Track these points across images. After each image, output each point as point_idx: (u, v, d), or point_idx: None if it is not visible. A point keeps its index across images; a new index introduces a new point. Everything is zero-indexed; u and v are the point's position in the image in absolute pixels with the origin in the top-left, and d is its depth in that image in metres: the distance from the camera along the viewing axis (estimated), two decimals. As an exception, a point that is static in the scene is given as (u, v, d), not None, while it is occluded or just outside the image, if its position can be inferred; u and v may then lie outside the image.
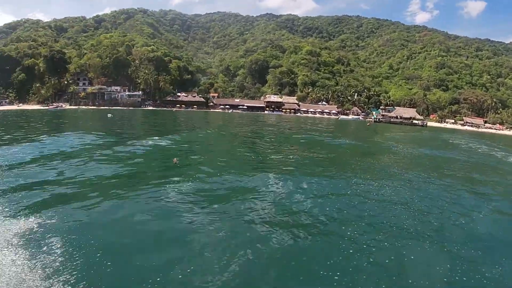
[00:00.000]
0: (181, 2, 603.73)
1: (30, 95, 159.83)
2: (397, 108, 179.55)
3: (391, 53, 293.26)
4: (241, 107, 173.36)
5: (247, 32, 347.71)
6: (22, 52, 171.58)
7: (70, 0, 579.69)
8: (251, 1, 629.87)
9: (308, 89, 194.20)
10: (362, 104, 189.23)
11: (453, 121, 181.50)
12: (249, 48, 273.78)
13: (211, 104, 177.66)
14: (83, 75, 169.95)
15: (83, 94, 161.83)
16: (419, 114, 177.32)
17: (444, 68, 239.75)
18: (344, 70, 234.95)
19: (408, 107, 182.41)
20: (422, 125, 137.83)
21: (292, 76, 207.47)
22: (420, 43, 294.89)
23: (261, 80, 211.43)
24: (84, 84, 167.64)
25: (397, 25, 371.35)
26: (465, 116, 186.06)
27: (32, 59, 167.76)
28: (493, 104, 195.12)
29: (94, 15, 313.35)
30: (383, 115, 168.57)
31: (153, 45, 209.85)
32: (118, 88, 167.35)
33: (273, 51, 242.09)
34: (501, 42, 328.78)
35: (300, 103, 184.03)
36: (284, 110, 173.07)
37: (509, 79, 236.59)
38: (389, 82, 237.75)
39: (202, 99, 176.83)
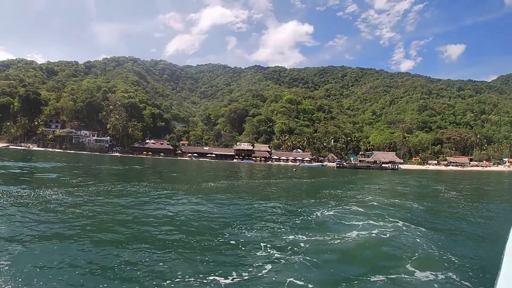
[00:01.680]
0: (174, 54, 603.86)
1: (2, 133, 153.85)
2: (375, 152, 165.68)
3: (374, 99, 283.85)
4: (209, 155, 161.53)
5: (233, 83, 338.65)
6: (1, 90, 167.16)
7: (68, 45, 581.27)
8: (241, 54, 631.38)
9: (285, 136, 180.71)
10: (339, 150, 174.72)
11: (435, 162, 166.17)
12: (233, 98, 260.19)
13: (179, 152, 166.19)
14: (56, 118, 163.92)
15: (51, 136, 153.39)
16: (399, 158, 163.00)
17: (426, 110, 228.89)
18: (324, 117, 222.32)
19: (388, 151, 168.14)
20: (393, 169, 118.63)
21: (270, 124, 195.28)
22: (403, 88, 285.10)
23: (240, 129, 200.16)
24: (56, 126, 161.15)
25: (380, 73, 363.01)
26: (449, 156, 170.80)
27: (8, 97, 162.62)
28: (478, 141, 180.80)
29: (86, 61, 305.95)
30: (360, 160, 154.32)
31: (132, 92, 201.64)
32: (87, 132, 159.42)
33: (254, 100, 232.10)
34: (483, 81, 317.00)
35: (273, 150, 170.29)
36: (254, 158, 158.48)
37: (493, 115, 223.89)
38: (371, 127, 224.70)
39: (170, 147, 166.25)
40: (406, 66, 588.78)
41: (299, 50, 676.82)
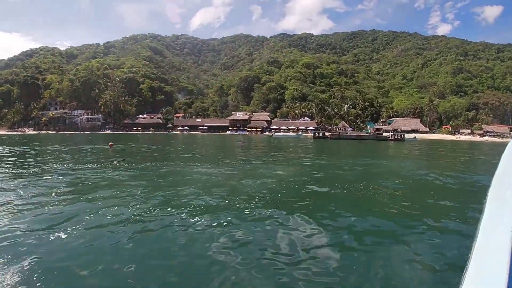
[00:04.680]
0: (199, 28, 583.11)
1: (4, 121, 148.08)
2: (396, 119, 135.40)
3: (406, 63, 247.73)
4: (201, 127, 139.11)
5: (256, 52, 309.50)
6: (4, 78, 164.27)
7: (95, 28, 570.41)
8: (267, 23, 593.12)
9: (295, 104, 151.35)
10: (353, 117, 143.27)
11: (469, 131, 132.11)
12: (252, 67, 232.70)
13: (170, 125, 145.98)
14: (55, 100, 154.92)
15: (44, 119, 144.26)
16: (425, 126, 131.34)
17: (462, 73, 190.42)
18: (346, 82, 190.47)
19: (413, 117, 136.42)
20: (397, 139, 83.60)
21: (281, 91, 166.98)
22: (436, 50, 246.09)
23: (250, 98, 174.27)
24: (55, 109, 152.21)
25: (414, 35, 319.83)
26: (485, 124, 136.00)
27: (8, 85, 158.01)
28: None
29: (105, 41, 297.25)
30: (377, 128, 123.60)
31: (138, 67, 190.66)
32: (80, 112, 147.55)
33: (268, 67, 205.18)
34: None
35: (275, 119, 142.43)
36: (249, 129, 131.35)
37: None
38: (399, 92, 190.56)
39: (160, 121, 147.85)
40: (442, 30, 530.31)
41: (328, 16, 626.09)
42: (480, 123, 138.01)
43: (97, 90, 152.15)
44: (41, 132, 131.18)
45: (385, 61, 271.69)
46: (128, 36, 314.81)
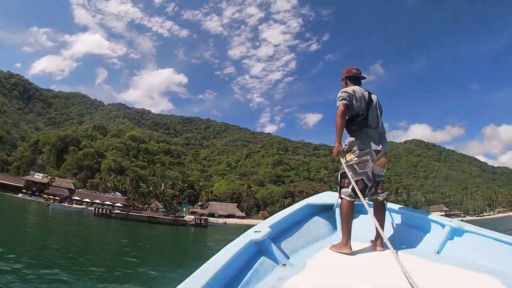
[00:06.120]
0: (39, 74, 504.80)
1: None
2: (212, 203, 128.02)
3: (232, 152, 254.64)
4: None
5: (87, 115, 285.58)
6: None
7: None
8: (109, 90, 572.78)
9: (110, 176, 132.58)
10: (169, 198, 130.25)
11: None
12: (78, 129, 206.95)
13: None
14: None
15: None
16: (242, 211, 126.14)
17: (281, 165, 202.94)
18: (170, 162, 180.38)
19: (230, 202, 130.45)
20: (199, 225, 71.58)
21: (99, 160, 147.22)
22: (261, 143, 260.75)
23: (63, 160, 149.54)
24: None
25: (243, 130, 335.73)
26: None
27: None
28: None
29: None
30: (192, 212, 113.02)
31: None
32: None
33: (93, 132, 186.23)
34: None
35: (80, 189, 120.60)
36: (46, 196, 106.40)
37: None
38: (221, 178, 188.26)
39: None
40: (270, 129, 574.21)
41: (169, 99, 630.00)
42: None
43: None
44: None
45: (213, 148, 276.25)
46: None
